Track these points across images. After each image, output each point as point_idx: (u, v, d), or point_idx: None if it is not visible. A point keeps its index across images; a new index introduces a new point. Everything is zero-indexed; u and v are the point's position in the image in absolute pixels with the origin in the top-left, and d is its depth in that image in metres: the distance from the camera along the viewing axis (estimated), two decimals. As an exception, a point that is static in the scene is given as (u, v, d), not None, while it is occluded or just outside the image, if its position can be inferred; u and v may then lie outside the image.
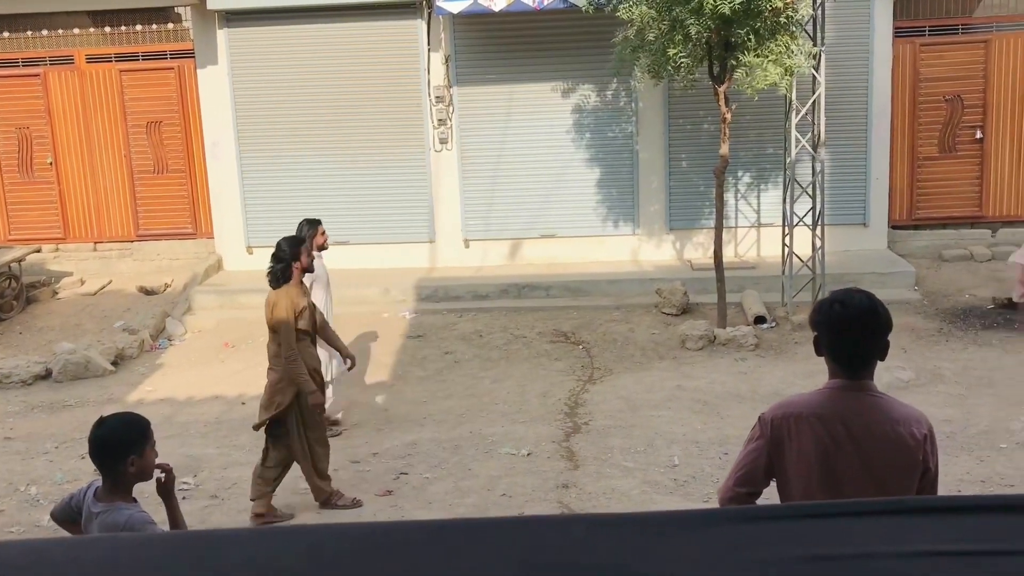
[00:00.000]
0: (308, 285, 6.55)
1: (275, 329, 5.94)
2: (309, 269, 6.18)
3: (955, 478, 6.08)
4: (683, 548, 1.08)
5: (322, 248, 7.31)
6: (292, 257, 5.99)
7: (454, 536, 1.13)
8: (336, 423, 7.49)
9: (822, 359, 2.92)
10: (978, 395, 7.63)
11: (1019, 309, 8.91)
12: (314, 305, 6.25)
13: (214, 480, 6.72)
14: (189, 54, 11.51)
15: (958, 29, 11.12)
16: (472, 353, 9.23)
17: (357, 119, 11.26)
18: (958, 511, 1.20)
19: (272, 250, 6.17)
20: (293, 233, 6.94)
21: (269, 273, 6.06)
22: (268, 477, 6.01)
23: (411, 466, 6.82)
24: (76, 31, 11.71)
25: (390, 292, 10.64)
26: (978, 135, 11.18)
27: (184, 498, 6.36)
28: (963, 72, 11.11)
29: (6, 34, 11.73)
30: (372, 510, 6.15)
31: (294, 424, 5.99)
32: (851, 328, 2.83)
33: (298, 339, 5.93)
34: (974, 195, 11.34)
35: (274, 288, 6.00)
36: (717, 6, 7.89)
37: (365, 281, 10.81)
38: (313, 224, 7.28)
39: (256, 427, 6.13)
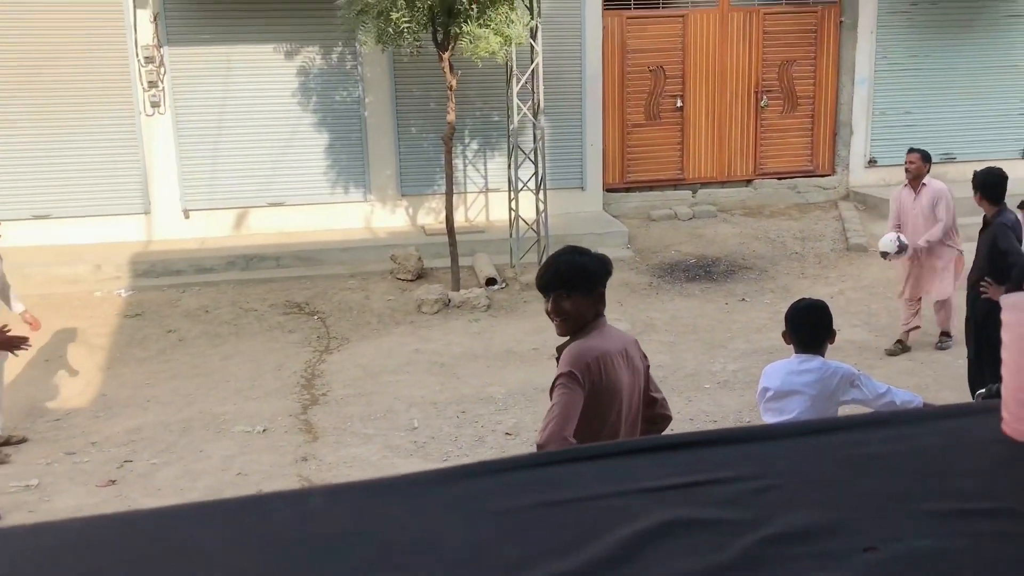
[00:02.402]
0: None
1: None
2: None
3: (668, 419, 6.63)
4: (419, 507, 1.08)
5: None
6: None
7: (183, 522, 1.06)
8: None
9: (543, 315, 3.27)
10: (685, 341, 8.37)
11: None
12: None
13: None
14: None
15: (659, 4, 11.97)
16: (198, 330, 8.77)
17: (55, 82, 10.21)
18: (677, 447, 1.30)
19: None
20: None
21: None
22: None
23: (136, 453, 6.39)
24: None
25: (102, 268, 9.83)
26: (678, 104, 12.15)
27: None
28: (664, 44, 12.00)
29: None
30: (94, 503, 5.70)
31: None
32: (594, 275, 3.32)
33: None
34: (676, 159, 12.34)
35: None
36: (439, -27, 7.94)
37: (73, 258, 9.92)
38: None
39: None
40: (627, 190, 12.21)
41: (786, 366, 4.19)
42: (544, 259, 9.92)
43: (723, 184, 12.45)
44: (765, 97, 12.29)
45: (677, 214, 11.88)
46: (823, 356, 4.17)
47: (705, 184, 12.40)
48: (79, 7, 10.16)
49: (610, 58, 11.78)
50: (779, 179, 12.52)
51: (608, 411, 3.23)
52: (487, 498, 1.09)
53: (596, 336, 3.28)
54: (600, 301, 3.32)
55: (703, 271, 10.34)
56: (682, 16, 12.00)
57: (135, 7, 10.18)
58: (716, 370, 7.68)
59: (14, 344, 5.31)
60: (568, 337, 3.33)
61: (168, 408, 7.13)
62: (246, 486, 5.85)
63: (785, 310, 4.28)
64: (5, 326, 5.47)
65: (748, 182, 12.51)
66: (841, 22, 12.32)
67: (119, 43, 10.31)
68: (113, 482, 5.97)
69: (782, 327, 4.25)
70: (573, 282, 3.23)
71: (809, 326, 4.16)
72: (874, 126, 12.43)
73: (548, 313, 3.31)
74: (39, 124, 10.26)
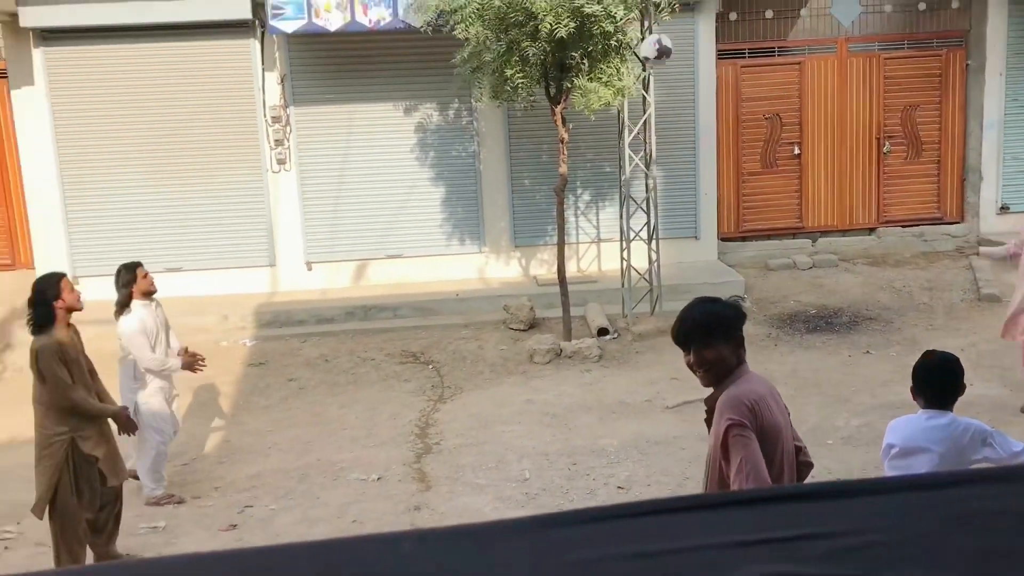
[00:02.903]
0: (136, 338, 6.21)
1: (43, 380, 5.31)
2: (77, 308, 5.50)
3: (787, 474, 6.40)
4: (511, 554, 1.08)
5: (149, 294, 6.56)
6: (53, 297, 5.35)
7: (274, 563, 1.09)
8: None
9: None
10: (806, 395, 8.08)
11: None
12: (86, 357, 5.60)
13: (41, 526, 6.26)
14: (1, 74, 10.80)
15: (775, 51, 11.84)
16: (318, 379, 9.03)
17: (189, 141, 10.85)
18: (777, 500, 1.26)
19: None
20: (126, 261, 6.54)
21: (28, 320, 5.40)
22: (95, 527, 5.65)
23: (256, 498, 6.58)
24: None
25: (229, 319, 10.28)
26: (796, 151, 11.92)
27: (7, 548, 5.91)
28: (780, 92, 11.83)
29: None
30: (215, 546, 5.89)
31: (67, 482, 5.43)
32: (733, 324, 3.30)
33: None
34: (794, 207, 12.07)
35: (34, 335, 5.37)
36: (554, 30, 8.08)
37: (201, 309, 10.40)
38: (131, 269, 6.43)
39: (39, 512, 5.46)
40: (743, 239, 12.00)
41: (913, 422, 4.00)
42: (656, 309, 9.84)
43: (844, 232, 12.08)
44: (888, 143, 11.93)
45: (796, 263, 11.57)
46: (952, 412, 3.96)
47: (825, 232, 12.07)
48: (213, 71, 10.80)
49: (724, 106, 11.69)
50: (904, 227, 12.07)
51: (774, 452, 3.16)
52: (572, 548, 1.08)
53: (745, 381, 3.22)
54: (740, 347, 3.27)
55: (824, 322, 10.01)
56: (799, 63, 11.83)
57: (264, 70, 10.75)
58: (839, 425, 7.38)
59: (194, 366, 6.62)
60: (713, 389, 3.27)
61: (287, 455, 7.34)
62: (360, 534, 5.94)
63: (912, 363, 4.09)
64: (188, 349, 6.77)
65: (871, 230, 12.11)
66: (967, 65, 11.89)
67: (248, 104, 10.89)
68: (234, 527, 6.16)
69: (909, 381, 4.06)
70: (711, 331, 3.20)
71: (939, 380, 3.96)
72: (1005, 171, 11.87)
73: (690, 366, 3.26)
74: (174, 182, 10.89)
